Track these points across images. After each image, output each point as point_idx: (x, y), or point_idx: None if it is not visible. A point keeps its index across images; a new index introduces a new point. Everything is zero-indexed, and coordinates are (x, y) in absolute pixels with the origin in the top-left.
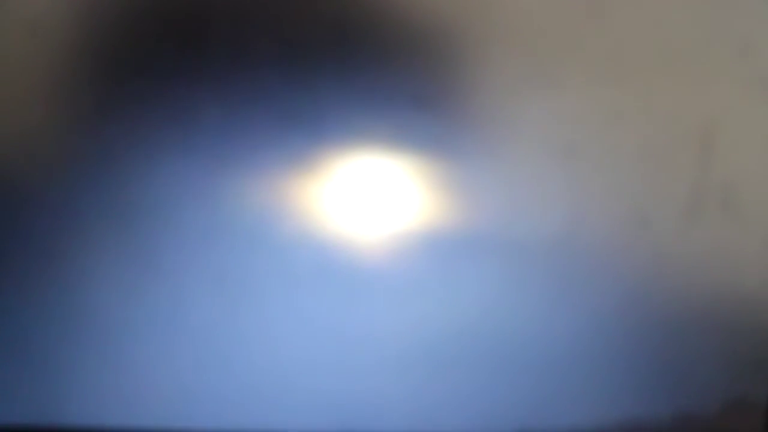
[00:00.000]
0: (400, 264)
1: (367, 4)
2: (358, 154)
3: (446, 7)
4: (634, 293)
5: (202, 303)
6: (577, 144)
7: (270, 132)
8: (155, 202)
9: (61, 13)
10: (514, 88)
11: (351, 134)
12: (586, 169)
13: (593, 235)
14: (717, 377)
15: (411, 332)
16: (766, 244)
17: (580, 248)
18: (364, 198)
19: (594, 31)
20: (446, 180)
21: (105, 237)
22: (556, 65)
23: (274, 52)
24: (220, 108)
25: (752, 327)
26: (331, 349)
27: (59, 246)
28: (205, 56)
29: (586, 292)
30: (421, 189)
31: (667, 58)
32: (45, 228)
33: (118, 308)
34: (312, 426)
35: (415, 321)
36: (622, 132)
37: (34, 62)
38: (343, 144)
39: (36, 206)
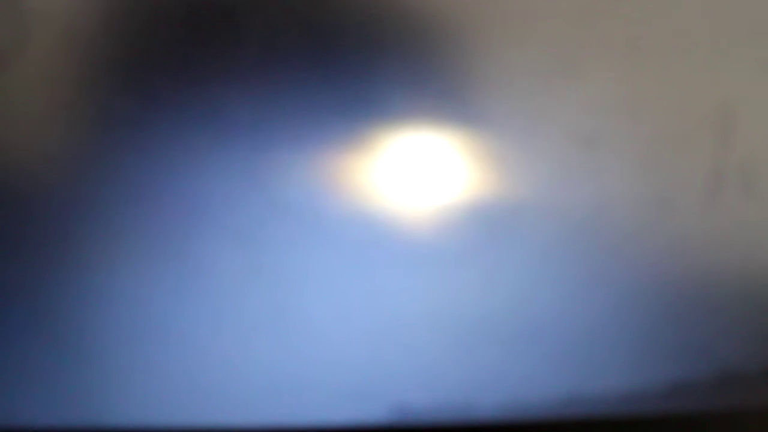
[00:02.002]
0: (433, 239)
1: (393, 4)
2: (386, 143)
3: (465, 2)
4: (659, 272)
5: (244, 296)
6: (599, 129)
7: (301, 121)
8: (188, 198)
9: (92, 14)
10: (531, 80)
11: (379, 120)
12: (608, 154)
13: (616, 218)
14: (738, 353)
15: (458, 304)
16: None
17: (604, 230)
18: (395, 182)
19: (611, 17)
20: (471, 176)
21: (142, 235)
22: (573, 54)
23: (303, 43)
24: (251, 97)
25: None
26: (381, 324)
27: (92, 243)
28: (234, 49)
29: (611, 272)
30: (446, 195)
31: (683, 41)
32: (78, 227)
33: (153, 305)
34: (363, 404)
35: (458, 293)
36: (641, 116)
37: (68, 63)
38: (372, 130)
39: (69, 206)
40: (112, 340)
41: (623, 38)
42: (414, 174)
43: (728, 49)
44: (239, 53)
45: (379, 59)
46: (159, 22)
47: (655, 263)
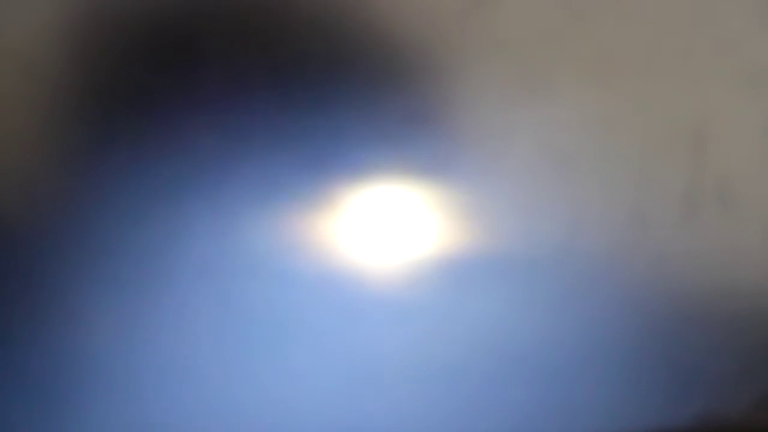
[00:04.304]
0: (406, 289)
1: (357, 28)
2: (354, 176)
3: (431, 24)
4: (639, 294)
5: (209, 339)
6: (571, 150)
7: (267, 160)
8: (155, 236)
9: (54, 50)
10: (502, 101)
11: (345, 156)
12: (581, 175)
13: (593, 240)
14: (724, 373)
15: (422, 355)
16: (765, 236)
17: (582, 254)
18: (365, 222)
19: (579, 36)
20: (443, 199)
21: (105, 274)
22: (543, 73)
23: (269, 80)
24: (216, 138)
25: (756, 320)
26: (345, 378)
27: (57, 285)
28: (200, 87)
29: (592, 297)
30: (418, 212)
31: (655, 57)
32: (44, 268)
33: (121, 346)
34: None
35: (421, 343)
36: (614, 135)
37: (28, 100)
38: (339, 167)
39: (32, 247)
40: (78, 383)
41: (595, 56)
42: (387, 200)
43: (701, 66)
44: (202, 84)
45: (346, 87)
46: (120, 51)
47: (632, 285)
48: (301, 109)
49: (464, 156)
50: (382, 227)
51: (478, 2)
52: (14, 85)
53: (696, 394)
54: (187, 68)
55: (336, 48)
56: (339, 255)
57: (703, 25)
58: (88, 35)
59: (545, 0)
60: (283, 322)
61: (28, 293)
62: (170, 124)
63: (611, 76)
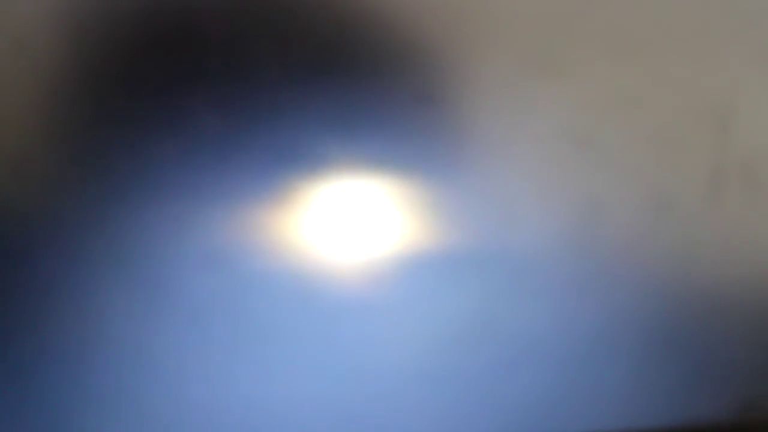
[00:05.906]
0: (412, 280)
1: (369, 8)
2: (368, 156)
3: (448, 4)
4: (662, 279)
5: (207, 335)
6: (592, 131)
7: (267, 149)
8: (153, 223)
9: (55, 34)
10: (520, 80)
11: (349, 138)
12: (602, 156)
13: (614, 224)
14: (750, 361)
15: (416, 351)
16: None
17: (602, 238)
18: (377, 209)
19: (599, 13)
20: (460, 182)
21: (107, 262)
22: (564, 52)
23: (273, 64)
24: (219, 121)
25: None
26: (335, 375)
27: (56, 273)
28: (201, 70)
29: (612, 283)
30: (436, 195)
31: (678, 36)
32: (36, 253)
33: (122, 337)
34: None
35: (423, 339)
36: (636, 116)
37: (22, 79)
38: (344, 150)
39: (33, 232)
40: (84, 377)
41: (615, 34)
42: (408, 183)
43: (724, 44)
44: (204, 68)
45: (358, 67)
46: (121, 36)
47: (655, 270)
48: (308, 93)
49: (482, 138)
50: (405, 213)
51: None
52: (17, 72)
53: (721, 385)
54: (189, 52)
55: (346, 27)
56: (349, 246)
57: (725, 3)
58: (90, 18)
59: None
60: (286, 315)
61: (29, 280)
62: (173, 108)
63: (631, 55)
